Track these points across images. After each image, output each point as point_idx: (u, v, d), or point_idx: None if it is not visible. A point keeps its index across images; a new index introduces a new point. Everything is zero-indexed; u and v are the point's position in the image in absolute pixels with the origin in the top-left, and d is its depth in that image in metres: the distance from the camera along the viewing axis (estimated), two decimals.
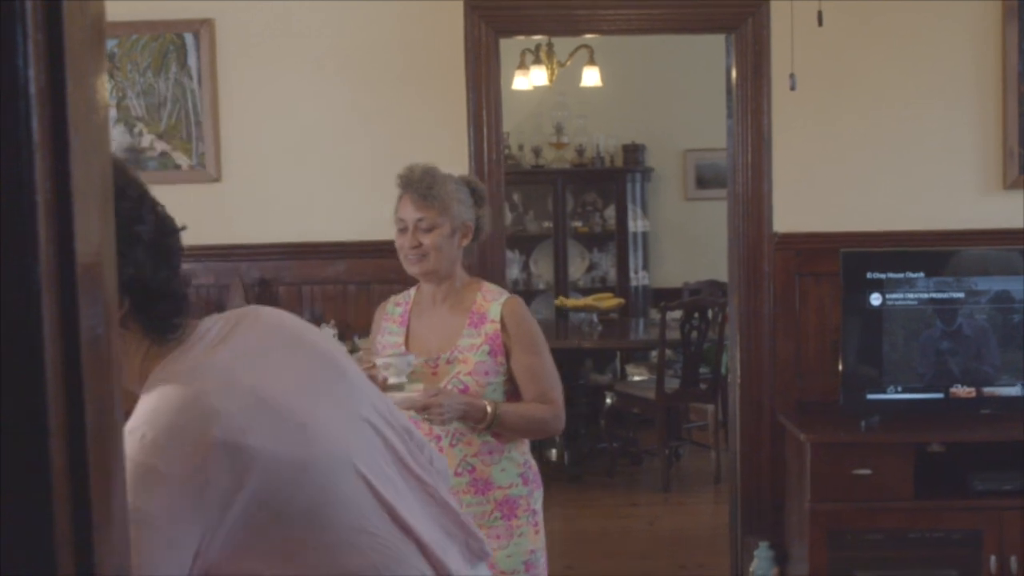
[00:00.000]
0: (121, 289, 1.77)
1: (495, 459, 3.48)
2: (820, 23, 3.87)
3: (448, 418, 3.33)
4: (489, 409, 3.39)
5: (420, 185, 3.54)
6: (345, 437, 1.93)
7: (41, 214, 0.88)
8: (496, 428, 3.42)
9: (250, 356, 1.92)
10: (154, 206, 1.90)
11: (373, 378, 3.20)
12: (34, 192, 0.87)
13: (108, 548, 0.97)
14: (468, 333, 3.50)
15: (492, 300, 3.55)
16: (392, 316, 3.67)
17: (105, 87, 1.02)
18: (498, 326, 3.49)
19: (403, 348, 3.56)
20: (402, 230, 3.56)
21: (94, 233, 0.97)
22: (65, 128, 0.91)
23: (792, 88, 4.25)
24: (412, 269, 3.55)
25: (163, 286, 1.86)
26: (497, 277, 5.53)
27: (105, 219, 1.01)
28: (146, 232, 1.84)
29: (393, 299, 3.75)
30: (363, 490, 1.90)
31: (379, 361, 3.42)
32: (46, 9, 0.89)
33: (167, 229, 1.90)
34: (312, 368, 2.01)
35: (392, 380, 3.34)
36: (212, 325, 1.97)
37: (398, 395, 3.28)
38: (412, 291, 3.73)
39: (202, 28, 5.37)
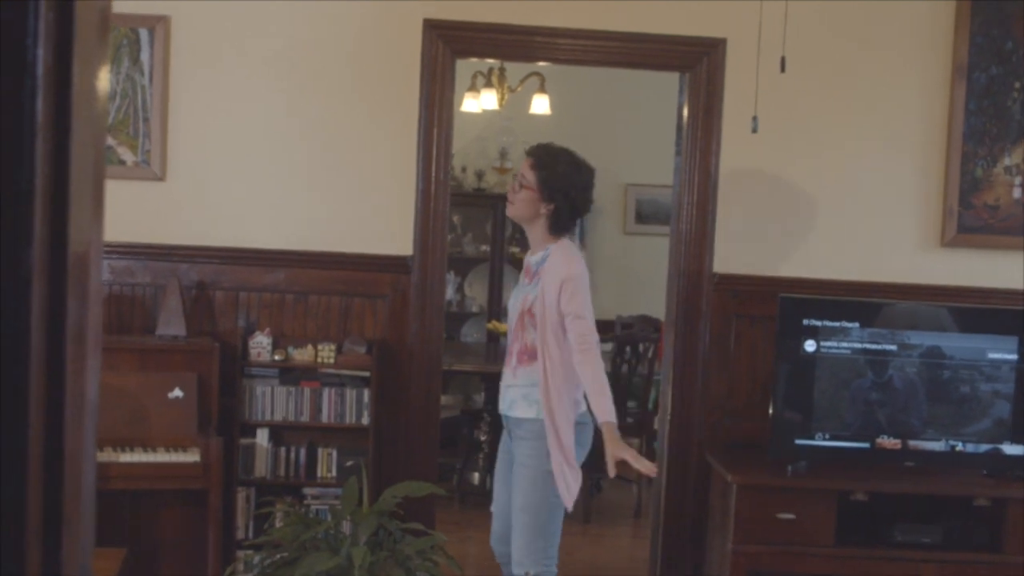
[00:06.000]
0: None
1: None
2: (783, 69, 3.90)
3: None
4: None
5: None
6: None
7: (38, 197, 0.85)
8: None
9: None
10: None
11: None
12: (33, 174, 0.85)
13: (74, 543, 0.94)
14: None
15: None
16: None
17: (107, 77, 1.00)
18: None
19: None
20: None
21: (87, 222, 0.95)
22: (68, 112, 0.89)
23: (754, 131, 4.28)
24: None
25: None
26: (436, 298, 5.52)
27: (97, 210, 0.98)
28: None
29: None
30: None
31: None
32: None
33: None
34: None
35: None
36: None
37: None
38: None
39: (158, 25, 5.31)
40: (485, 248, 9.80)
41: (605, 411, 4.31)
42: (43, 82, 0.86)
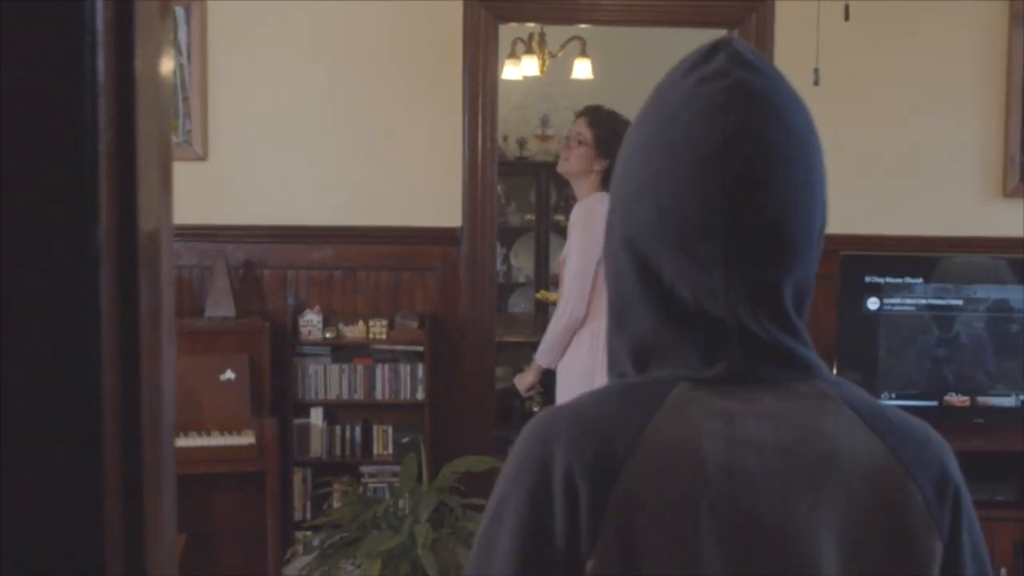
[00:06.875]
0: None
1: None
2: (847, 18, 3.77)
3: None
4: None
5: None
6: None
7: (103, 165, 0.75)
8: None
9: None
10: None
11: None
12: (97, 139, 0.75)
13: (159, 547, 0.85)
14: None
15: None
16: None
17: (171, 32, 0.90)
18: None
19: None
20: None
21: (156, 197, 0.85)
22: (131, 69, 0.79)
23: (816, 83, 4.12)
24: None
25: None
26: (487, 268, 5.43)
27: (165, 184, 0.88)
28: None
29: None
30: None
31: None
32: None
33: None
34: None
35: None
36: None
37: None
38: None
39: (193, 3, 5.22)
40: (530, 217, 9.68)
41: (539, 354, 4.64)
42: (103, 37, 0.76)
